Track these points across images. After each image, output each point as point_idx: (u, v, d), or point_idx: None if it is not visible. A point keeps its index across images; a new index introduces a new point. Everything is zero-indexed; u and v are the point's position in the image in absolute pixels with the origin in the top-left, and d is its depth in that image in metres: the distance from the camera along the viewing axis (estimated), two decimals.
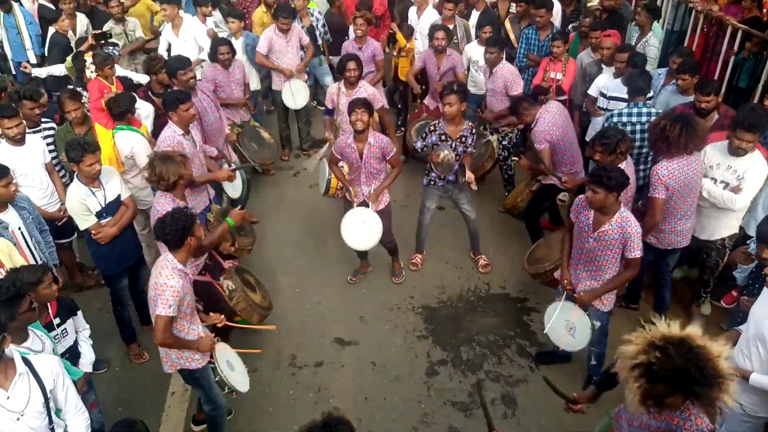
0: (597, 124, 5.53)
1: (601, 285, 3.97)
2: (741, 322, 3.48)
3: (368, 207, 4.96)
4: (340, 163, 5.14)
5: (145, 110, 5.51)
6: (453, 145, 5.00)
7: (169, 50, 7.00)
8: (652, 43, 6.05)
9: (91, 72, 5.44)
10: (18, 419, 2.72)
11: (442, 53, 6.30)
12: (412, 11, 7.61)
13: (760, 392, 3.16)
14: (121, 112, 4.79)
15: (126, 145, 4.80)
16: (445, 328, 4.99)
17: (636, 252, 3.80)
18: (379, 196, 4.98)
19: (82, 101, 5.15)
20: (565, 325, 4.13)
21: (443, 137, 5.01)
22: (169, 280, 3.33)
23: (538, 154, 5.05)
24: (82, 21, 7.26)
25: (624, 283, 4.16)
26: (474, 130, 5.05)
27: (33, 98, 4.84)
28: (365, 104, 4.76)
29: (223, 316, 3.97)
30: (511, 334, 4.94)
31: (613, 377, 3.02)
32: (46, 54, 7.06)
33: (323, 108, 6.38)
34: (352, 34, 6.85)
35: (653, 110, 4.90)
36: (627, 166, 4.27)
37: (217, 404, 3.82)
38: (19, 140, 4.51)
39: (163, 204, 3.92)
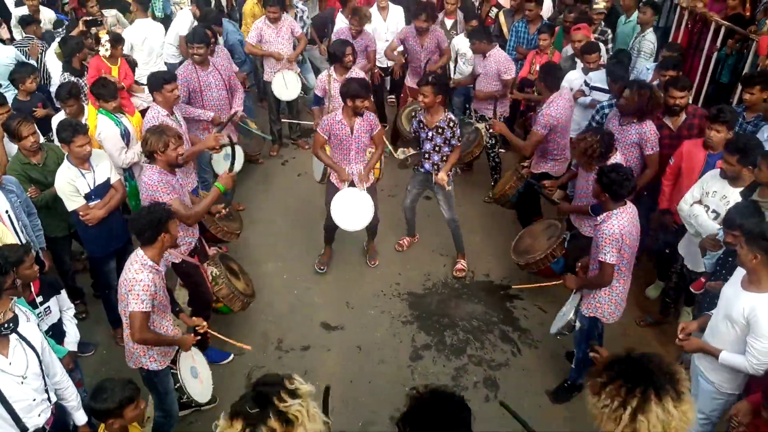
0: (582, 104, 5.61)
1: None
2: (709, 308, 3.61)
3: (356, 187, 5.02)
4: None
5: (137, 102, 5.56)
6: (430, 135, 5.06)
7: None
8: (649, 39, 6.14)
9: (106, 50, 5.57)
10: (21, 383, 2.84)
11: (425, 33, 6.38)
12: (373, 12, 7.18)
13: (730, 370, 3.27)
14: (98, 94, 4.80)
15: (98, 127, 4.82)
16: (429, 314, 5.09)
17: (602, 255, 3.72)
18: (369, 173, 5.07)
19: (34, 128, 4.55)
20: (562, 314, 4.30)
21: (421, 125, 5.10)
22: (137, 274, 3.27)
23: (530, 135, 5.08)
24: (45, 15, 7.20)
25: (591, 286, 3.98)
26: (453, 123, 5.01)
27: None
28: (367, 88, 4.89)
29: (205, 323, 3.93)
30: (494, 320, 5.04)
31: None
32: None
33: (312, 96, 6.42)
34: (341, 23, 6.87)
35: None
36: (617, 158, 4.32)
37: (170, 413, 3.71)
38: None
39: (149, 175, 3.93)
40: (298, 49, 6.83)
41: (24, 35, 6.64)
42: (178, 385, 3.68)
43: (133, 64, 6.22)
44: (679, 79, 4.74)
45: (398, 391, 4.41)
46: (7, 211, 3.95)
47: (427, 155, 5.14)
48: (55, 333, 3.65)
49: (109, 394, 2.81)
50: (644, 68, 5.79)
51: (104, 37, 5.67)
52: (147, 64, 6.58)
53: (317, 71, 7.24)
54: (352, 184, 5.03)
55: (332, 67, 5.81)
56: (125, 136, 4.93)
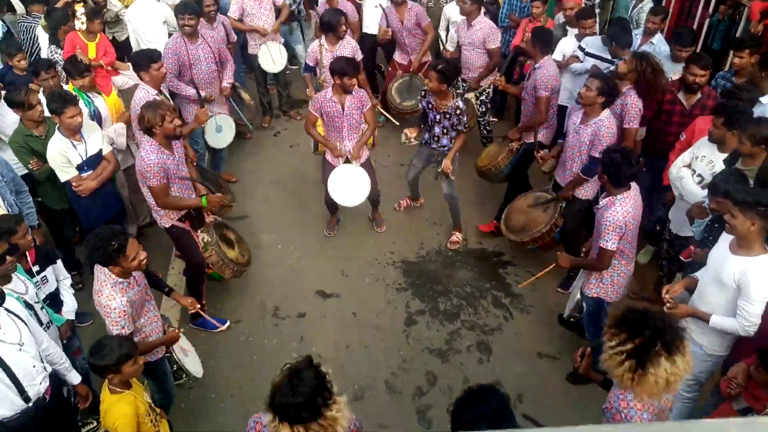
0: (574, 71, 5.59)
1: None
2: (693, 271, 3.67)
3: (351, 164, 5.04)
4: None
5: (121, 80, 5.43)
6: (438, 118, 5.04)
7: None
8: (646, 10, 6.08)
9: (82, 23, 5.41)
10: (19, 350, 2.87)
11: (402, 5, 6.31)
12: None
13: (719, 333, 3.35)
14: (67, 70, 4.74)
15: None
16: (423, 281, 5.16)
17: (602, 242, 3.68)
18: (361, 151, 5.06)
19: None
20: (574, 295, 4.34)
21: (430, 106, 5.07)
22: (111, 301, 3.13)
23: (537, 102, 5.02)
24: None
25: (587, 267, 4.01)
26: (459, 111, 4.95)
27: None
28: (355, 67, 4.86)
29: (195, 302, 3.95)
30: (487, 286, 5.12)
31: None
32: None
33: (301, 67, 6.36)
34: None
35: None
36: (611, 115, 4.34)
37: (169, 393, 3.78)
38: None
39: (147, 150, 3.94)
40: (281, 19, 6.71)
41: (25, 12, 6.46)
42: (175, 367, 3.74)
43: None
44: (701, 57, 4.61)
45: (393, 355, 4.51)
46: None
47: (436, 138, 5.14)
48: (53, 302, 3.68)
49: (107, 351, 2.85)
50: (633, 35, 5.75)
51: (80, 10, 5.45)
52: (155, 43, 6.43)
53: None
54: (347, 161, 5.05)
55: (324, 37, 5.76)
56: (95, 117, 4.76)
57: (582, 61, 5.53)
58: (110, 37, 6.72)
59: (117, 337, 3.01)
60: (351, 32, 6.58)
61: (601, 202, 3.81)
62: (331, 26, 5.62)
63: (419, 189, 5.87)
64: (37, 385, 2.97)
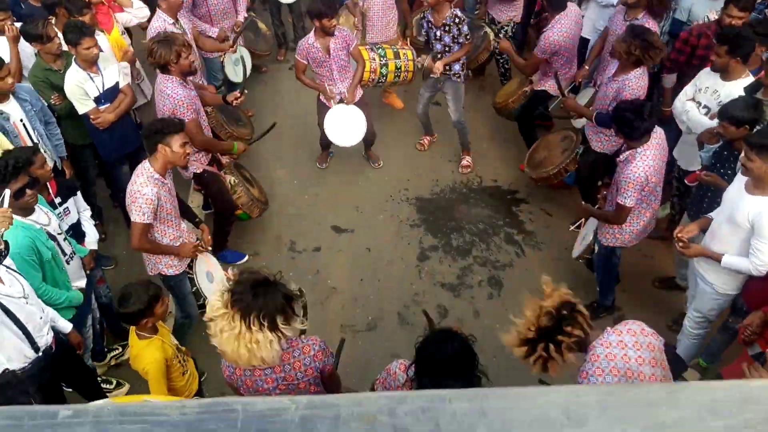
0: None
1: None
2: (699, 208, 3.65)
3: (345, 103, 5.03)
4: None
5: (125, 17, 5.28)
6: (438, 34, 4.95)
7: None
8: None
9: None
10: (26, 302, 2.90)
11: None
12: None
13: (729, 272, 3.37)
14: (66, 7, 4.63)
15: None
16: (437, 218, 5.22)
17: (621, 198, 3.61)
18: (355, 91, 5.05)
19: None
20: (583, 236, 4.36)
21: (429, 24, 5.00)
22: (142, 188, 3.36)
23: (531, 55, 4.97)
24: None
25: (602, 220, 3.96)
26: (459, 20, 4.89)
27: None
28: (331, 6, 4.76)
29: (209, 245, 3.98)
30: (500, 223, 5.16)
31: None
32: None
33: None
34: None
35: None
36: (643, 74, 4.14)
37: (189, 314, 3.86)
38: None
39: (171, 87, 3.93)
40: None
41: None
42: (195, 288, 3.84)
43: None
44: None
45: (406, 289, 4.64)
46: (21, 120, 3.95)
47: (439, 56, 5.06)
48: (75, 233, 3.78)
49: (135, 297, 2.93)
50: None
51: None
52: None
53: None
54: (340, 101, 5.03)
55: None
56: None
57: None
58: None
59: (141, 283, 3.08)
60: None
61: (621, 155, 3.72)
62: None
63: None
64: (45, 336, 3.02)
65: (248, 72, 5.94)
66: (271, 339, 2.23)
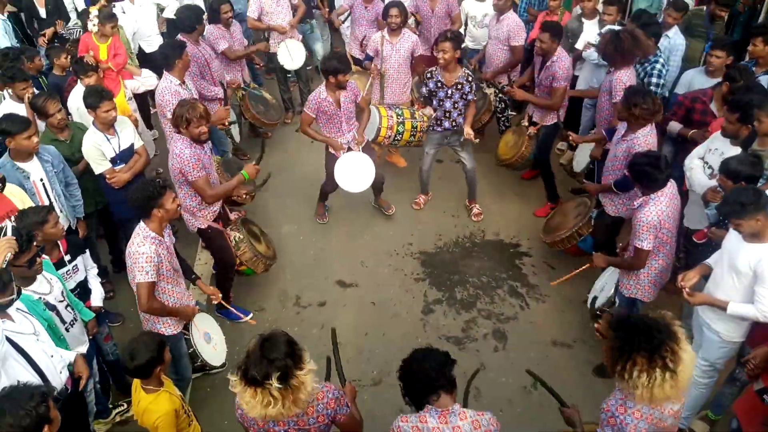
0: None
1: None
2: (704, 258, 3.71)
3: (353, 151, 5.23)
4: None
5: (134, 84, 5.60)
6: (449, 93, 5.19)
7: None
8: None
9: (93, 25, 5.59)
10: (37, 340, 2.94)
11: None
12: None
13: (735, 319, 3.40)
14: (74, 69, 5.00)
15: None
16: (441, 271, 5.28)
17: (638, 242, 3.71)
18: (363, 133, 5.27)
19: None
20: (601, 286, 4.39)
21: (439, 84, 5.20)
22: (140, 247, 3.40)
23: (553, 92, 5.16)
24: None
25: (623, 267, 4.00)
26: (470, 77, 5.20)
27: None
28: (347, 63, 5.06)
29: (219, 293, 4.07)
30: (503, 276, 5.21)
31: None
32: None
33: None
34: None
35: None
36: (651, 131, 4.25)
37: (183, 377, 3.84)
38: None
39: (181, 147, 4.08)
40: (298, 16, 6.89)
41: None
42: (191, 349, 3.85)
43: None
44: (721, 40, 4.77)
45: (411, 342, 4.60)
46: (41, 179, 4.12)
47: (447, 114, 5.30)
48: (82, 290, 3.85)
49: (144, 347, 2.96)
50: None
51: (93, 13, 5.62)
52: (152, 37, 6.68)
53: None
54: (349, 150, 5.24)
55: (385, 29, 5.92)
56: None
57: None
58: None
59: (143, 334, 3.13)
60: (379, 27, 6.71)
61: (636, 202, 3.84)
62: (384, 17, 5.85)
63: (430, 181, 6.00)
64: (58, 375, 3.02)
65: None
66: (293, 392, 2.31)
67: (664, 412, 2.46)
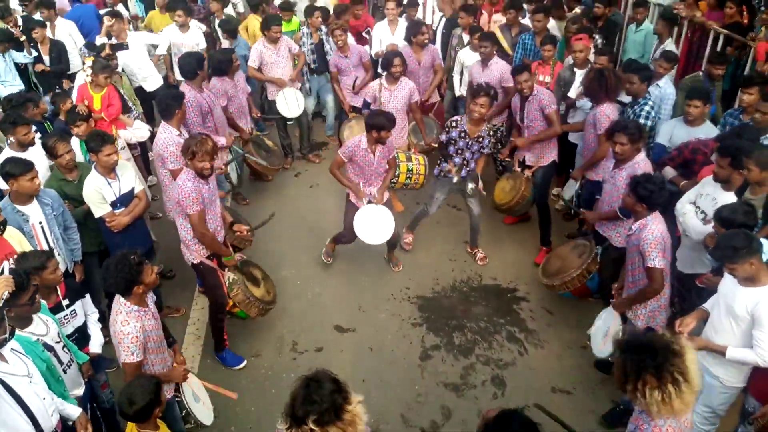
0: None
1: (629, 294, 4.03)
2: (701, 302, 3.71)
3: (375, 204, 5.32)
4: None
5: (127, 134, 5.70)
6: (469, 144, 5.34)
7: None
8: (669, 49, 6.25)
9: (87, 75, 5.72)
10: (30, 382, 2.90)
11: (423, 48, 6.66)
12: (382, 26, 7.54)
13: (735, 364, 3.39)
14: (67, 117, 5.13)
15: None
16: (438, 316, 5.25)
17: (650, 261, 3.72)
18: (383, 192, 5.36)
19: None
20: (604, 333, 4.24)
21: (462, 134, 5.33)
22: (124, 327, 3.25)
23: (549, 118, 5.40)
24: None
25: (645, 297, 3.93)
26: (492, 131, 5.39)
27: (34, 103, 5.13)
28: (392, 121, 5.11)
29: (188, 372, 3.87)
30: (501, 321, 5.18)
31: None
32: None
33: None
34: (332, 46, 7.11)
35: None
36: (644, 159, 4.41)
37: None
38: (26, 144, 4.73)
39: (184, 179, 4.14)
40: (299, 67, 7.11)
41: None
42: (184, 411, 3.79)
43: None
44: (697, 90, 4.89)
45: (408, 389, 4.57)
46: (40, 222, 4.15)
47: (466, 162, 5.43)
48: (81, 336, 3.81)
49: (140, 391, 2.93)
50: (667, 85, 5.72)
51: (87, 63, 5.75)
52: (151, 75, 6.94)
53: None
54: (369, 201, 5.32)
55: (383, 77, 6.10)
56: (91, 164, 4.85)
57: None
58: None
59: (137, 377, 3.09)
60: (365, 70, 7.00)
61: (633, 227, 3.90)
62: (385, 66, 6.02)
63: (427, 227, 6.08)
64: (49, 418, 2.97)
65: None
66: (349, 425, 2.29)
67: (684, 423, 2.50)
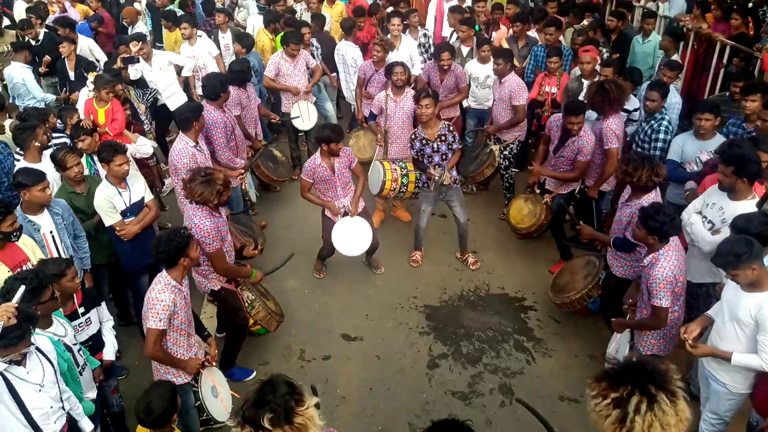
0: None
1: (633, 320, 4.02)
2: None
3: (350, 216, 5.35)
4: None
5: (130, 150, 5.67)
6: (436, 147, 5.37)
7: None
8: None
9: (90, 91, 5.82)
10: (39, 390, 2.96)
11: (446, 71, 6.60)
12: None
13: (741, 370, 3.38)
14: (71, 134, 5.24)
15: None
16: (445, 325, 5.25)
17: (656, 300, 3.65)
18: (357, 203, 5.40)
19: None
20: (615, 349, 4.28)
21: (423, 141, 5.39)
22: (160, 294, 3.51)
23: (577, 164, 5.22)
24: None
25: (644, 329, 3.93)
26: (451, 127, 5.41)
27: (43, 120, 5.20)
28: (339, 132, 5.14)
29: (213, 360, 4.02)
30: (509, 330, 5.18)
31: None
32: None
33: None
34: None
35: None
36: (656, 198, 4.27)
37: (191, 430, 3.86)
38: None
39: (201, 217, 4.11)
40: (314, 80, 7.20)
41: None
42: (198, 403, 3.83)
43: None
44: (706, 103, 4.88)
45: (416, 398, 4.56)
46: (51, 232, 4.22)
47: (438, 167, 5.42)
48: (95, 343, 3.88)
49: (158, 398, 3.01)
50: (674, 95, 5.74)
51: (90, 78, 5.81)
52: (176, 93, 7.04)
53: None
54: (345, 215, 5.36)
55: (389, 88, 6.16)
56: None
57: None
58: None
59: (154, 385, 3.18)
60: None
61: (645, 260, 3.81)
62: (388, 75, 6.10)
63: (432, 236, 6.10)
64: (51, 425, 3.02)
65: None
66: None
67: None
